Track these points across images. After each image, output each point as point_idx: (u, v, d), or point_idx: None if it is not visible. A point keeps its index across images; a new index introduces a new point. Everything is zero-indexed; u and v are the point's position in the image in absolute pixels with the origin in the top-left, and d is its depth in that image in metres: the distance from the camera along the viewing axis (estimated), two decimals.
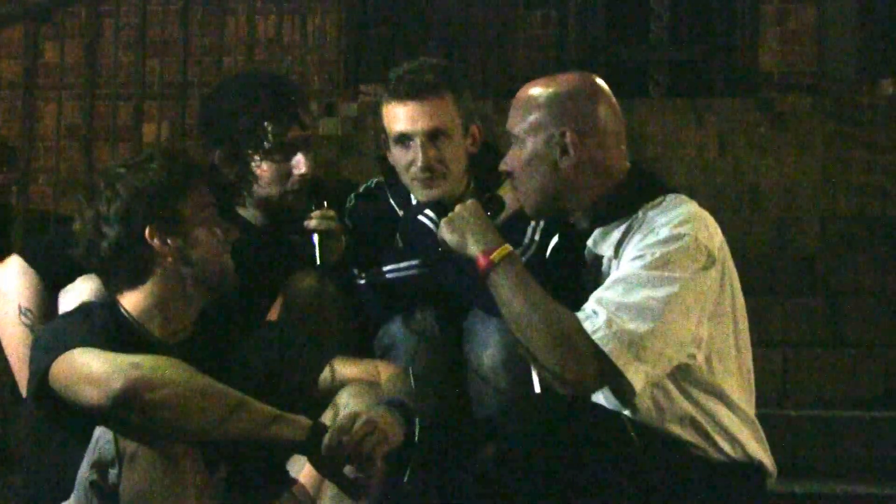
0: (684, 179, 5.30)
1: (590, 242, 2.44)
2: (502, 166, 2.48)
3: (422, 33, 7.17)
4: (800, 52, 7.02)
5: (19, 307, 2.60)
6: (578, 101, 2.42)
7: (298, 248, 2.78)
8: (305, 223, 2.75)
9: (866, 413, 3.67)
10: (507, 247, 2.37)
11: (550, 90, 2.43)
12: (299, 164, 2.77)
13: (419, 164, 2.80)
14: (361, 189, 3.00)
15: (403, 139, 2.81)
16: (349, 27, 7.04)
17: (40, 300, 2.61)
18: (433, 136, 2.80)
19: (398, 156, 2.84)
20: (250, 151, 2.75)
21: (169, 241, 2.36)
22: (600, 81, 2.47)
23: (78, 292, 2.59)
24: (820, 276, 4.45)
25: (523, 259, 2.53)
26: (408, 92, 2.80)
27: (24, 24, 3.96)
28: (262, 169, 2.76)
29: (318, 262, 2.72)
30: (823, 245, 4.78)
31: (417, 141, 2.80)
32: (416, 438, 2.32)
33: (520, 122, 2.43)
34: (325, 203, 2.77)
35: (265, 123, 2.74)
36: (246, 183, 2.76)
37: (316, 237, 2.73)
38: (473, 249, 2.38)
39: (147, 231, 2.35)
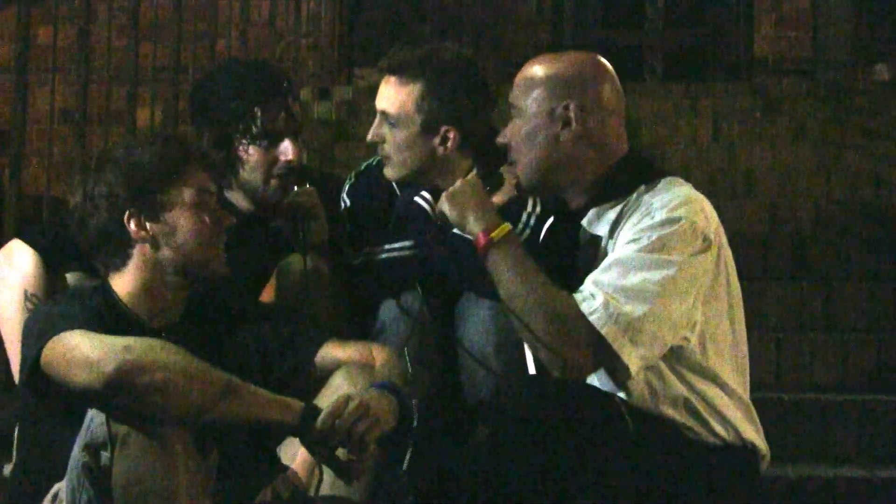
0: (679, 164, 5.30)
1: (584, 222, 2.44)
2: (500, 139, 2.48)
3: (416, 16, 7.16)
4: (794, 38, 7.03)
5: (25, 293, 2.60)
6: (583, 77, 2.43)
7: (282, 230, 2.78)
8: (286, 200, 2.76)
9: (859, 397, 3.67)
10: (507, 226, 2.37)
11: (556, 66, 2.44)
12: (286, 151, 2.77)
13: (368, 137, 2.83)
14: (363, 166, 3.00)
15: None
16: (343, 10, 7.03)
17: (45, 284, 2.61)
18: (384, 117, 2.81)
19: None
20: (238, 136, 2.75)
21: (148, 226, 2.36)
22: (605, 62, 2.49)
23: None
24: (813, 260, 4.45)
25: None
26: (382, 67, 2.82)
27: (16, 6, 3.94)
28: (249, 154, 2.76)
29: (301, 243, 2.73)
30: (817, 230, 4.79)
31: (377, 116, 2.82)
32: (415, 425, 2.32)
33: (523, 95, 2.44)
34: (307, 184, 2.78)
35: (255, 109, 2.75)
36: (233, 167, 2.76)
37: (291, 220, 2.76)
38: (473, 227, 2.38)
39: (125, 216, 2.35)
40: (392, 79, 2.80)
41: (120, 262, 2.38)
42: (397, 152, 2.80)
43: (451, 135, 2.78)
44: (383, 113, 2.81)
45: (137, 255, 2.37)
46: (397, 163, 2.81)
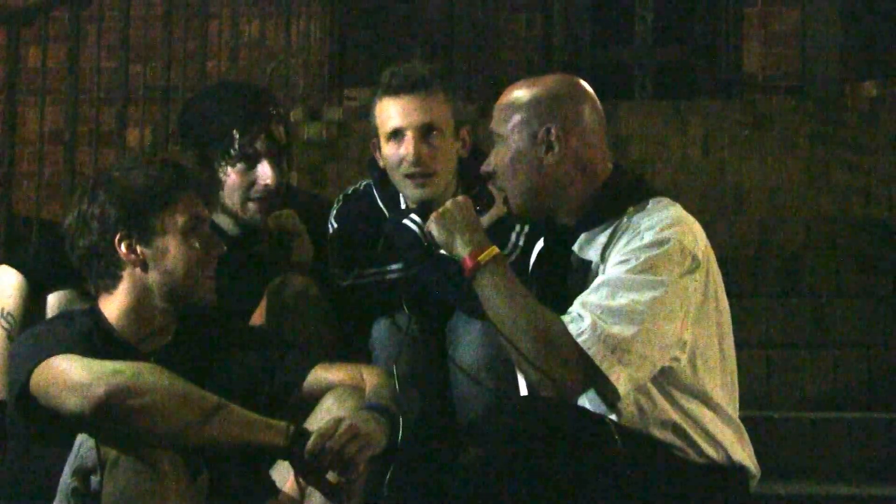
0: (668, 181, 5.31)
1: (575, 247, 2.44)
2: (485, 167, 2.48)
3: (407, 36, 7.17)
4: (783, 54, 7.05)
5: (1, 311, 2.61)
6: (562, 99, 2.43)
7: (266, 254, 2.79)
8: (267, 224, 2.77)
9: (850, 414, 3.67)
10: (495, 248, 2.37)
11: (534, 90, 2.44)
12: (264, 174, 2.76)
13: (410, 158, 2.79)
14: (350, 190, 3.00)
15: (396, 134, 2.81)
16: (334, 31, 7.04)
17: (25, 305, 2.62)
18: (425, 132, 2.81)
19: (390, 153, 2.83)
20: (217, 157, 2.76)
21: (138, 249, 2.35)
22: (583, 82, 2.49)
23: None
24: (803, 276, 4.45)
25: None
26: (401, 86, 2.81)
27: (6, 27, 3.94)
28: (227, 175, 2.77)
29: (285, 265, 2.73)
30: (807, 246, 4.79)
31: (409, 135, 2.80)
32: (399, 443, 2.31)
33: (504, 122, 2.44)
34: (285, 207, 2.79)
35: (232, 131, 2.75)
36: (216, 189, 2.76)
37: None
38: (461, 250, 2.38)
39: (116, 239, 2.34)
40: (420, 93, 2.81)
41: (110, 284, 2.38)
42: (442, 163, 2.82)
43: (466, 135, 2.88)
44: (425, 127, 2.80)
45: (127, 277, 2.37)
46: (440, 175, 2.82)
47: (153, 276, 2.37)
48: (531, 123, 2.41)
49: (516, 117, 2.42)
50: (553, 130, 2.40)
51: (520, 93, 2.45)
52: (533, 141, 2.41)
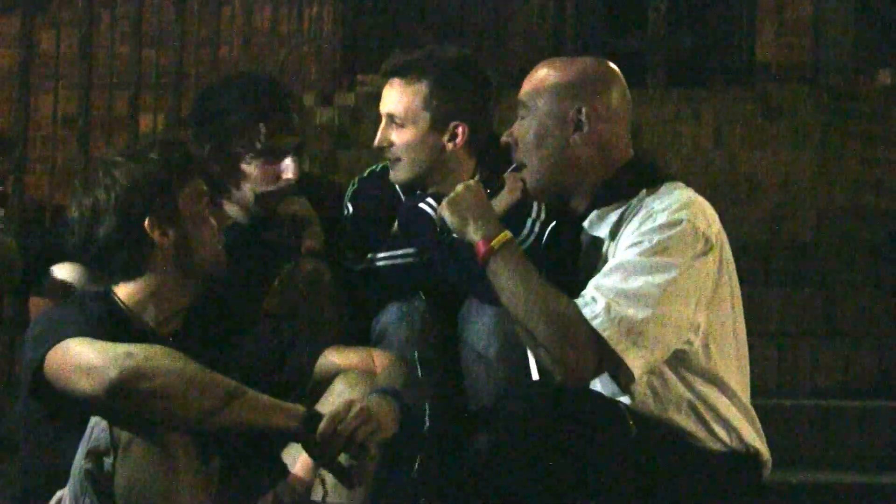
0: (680, 170, 5.30)
1: (586, 224, 2.45)
2: (505, 137, 2.48)
3: (418, 23, 7.17)
4: (797, 44, 7.03)
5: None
6: (595, 82, 2.44)
7: (277, 241, 2.80)
8: (278, 210, 2.78)
9: (860, 403, 3.68)
10: (508, 233, 2.37)
11: (570, 69, 2.45)
12: (288, 168, 2.77)
13: (375, 143, 2.86)
14: (366, 172, 3.01)
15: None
16: (346, 17, 7.04)
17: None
18: (390, 119, 2.83)
19: None
20: (240, 150, 2.75)
21: (168, 232, 2.36)
22: (615, 67, 2.50)
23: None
24: (815, 266, 4.46)
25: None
26: (384, 72, 2.85)
27: (20, 13, 3.96)
28: (251, 168, 2.76)
29: (296, 251, 2.75)
30: (818, 236, 4.80)
31: (383, 120, 2.84)
32: (426, 430, 2.32)
33: (534, 96, 2.44)
34: (297, 193, 2.80)
35: (259, 124, 2.75)
36: (231, 179, 2.76)
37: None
38: (474, 235, 2.38)
39: (146, 222, 2.35)
40: (396, 81, 2.82)
41: (135, 270, 2.37)
42: (407, 153, 2.81)
43: (460, 130, 2.81)
44: (390, 115, 2.82)
45: (154, 260, 2.36)
46: (407, 164, 2.82)
47: (182, 257, 2.37)
48: (562, 102, 2.41)
49: (548, 94, 2.43)
50: (584, 112, 2.40)
51: (554, 70, 2.45)
52: (562, 119, 2.41)
